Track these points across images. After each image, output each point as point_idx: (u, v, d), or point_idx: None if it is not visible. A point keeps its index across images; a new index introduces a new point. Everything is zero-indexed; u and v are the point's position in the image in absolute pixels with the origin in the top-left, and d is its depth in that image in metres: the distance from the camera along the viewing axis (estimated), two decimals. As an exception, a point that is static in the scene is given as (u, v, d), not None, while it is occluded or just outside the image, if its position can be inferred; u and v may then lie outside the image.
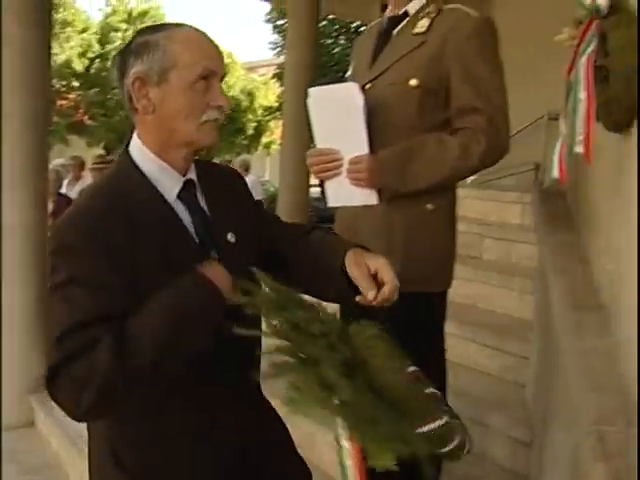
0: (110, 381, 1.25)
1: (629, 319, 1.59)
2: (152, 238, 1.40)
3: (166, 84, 1.43)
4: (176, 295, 1.33)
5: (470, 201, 4.83)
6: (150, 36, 1.46)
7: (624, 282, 1.67)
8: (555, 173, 1.69)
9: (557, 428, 2.10)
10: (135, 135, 1.52)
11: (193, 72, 1.43)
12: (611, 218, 1.94)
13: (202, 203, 1.55)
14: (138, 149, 1.50)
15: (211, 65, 1.45)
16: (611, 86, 1.55)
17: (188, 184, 1.53)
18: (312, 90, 2.16)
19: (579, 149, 1.56)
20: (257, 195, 12.19)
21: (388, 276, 1.40)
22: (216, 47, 1.49)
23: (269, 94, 25.61)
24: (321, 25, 15.32)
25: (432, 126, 2.11)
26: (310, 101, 2.15)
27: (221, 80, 1.49)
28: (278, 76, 22.85)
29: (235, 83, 23.98)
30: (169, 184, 1.50)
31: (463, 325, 3.71)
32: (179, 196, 1.50)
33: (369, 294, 1.39)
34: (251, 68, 27.97)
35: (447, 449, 1.19)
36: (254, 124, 24.72)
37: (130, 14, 22.78)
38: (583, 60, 1.57)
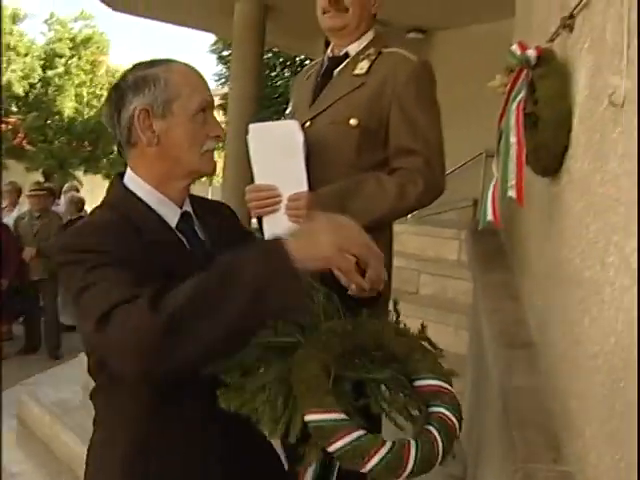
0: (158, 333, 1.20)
1: (555, 356, 1.64)
2: (160, 258, 1.41)
3: (170, 116, 1.47)
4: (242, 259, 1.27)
5: (408, 237, 4.91)
6: (147, 70, 1.50)
7: (551, 319, 1.72)
8: (489, 216, 1.73)
9: (488, 464, 2.13)
10: (129, 170, 1.54)
11: (194, 102, 1.48)
12: (540, 261, 2.00)
13: (200, 234, 1.58)
14: (134, 182, 1.53)
15: (207, 97, 1.52)
16: (540, 133, 1.61)
17: (185, 216, 1.56)
18: (252, 126, 2.19)
19: (512, 193, 1.61)
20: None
21: (370, 259, 1.39)
22: (204, 78, 1.55)
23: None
24: (266, 57, 15.40)
25: (371, 165, 2.15)
26: (250, 137, 2.17)
27: (212, 109, 1.55)
28: (222, 107, 22.87)
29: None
30: (168, 216, 1.53)
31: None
32: (177, 228, 1.53)
33: (354, 287, 1.43)
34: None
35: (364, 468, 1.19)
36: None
37: (74, 40, 22.56)
38: (514, 107, 1.63)
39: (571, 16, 1.62)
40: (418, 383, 1.37)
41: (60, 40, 22.44)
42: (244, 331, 1.24)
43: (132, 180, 1.53)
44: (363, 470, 1.18)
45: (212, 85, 27.04)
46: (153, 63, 1.52)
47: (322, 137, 2.16)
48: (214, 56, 23.76)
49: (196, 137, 1.49)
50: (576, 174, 1.53)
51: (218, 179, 24.08)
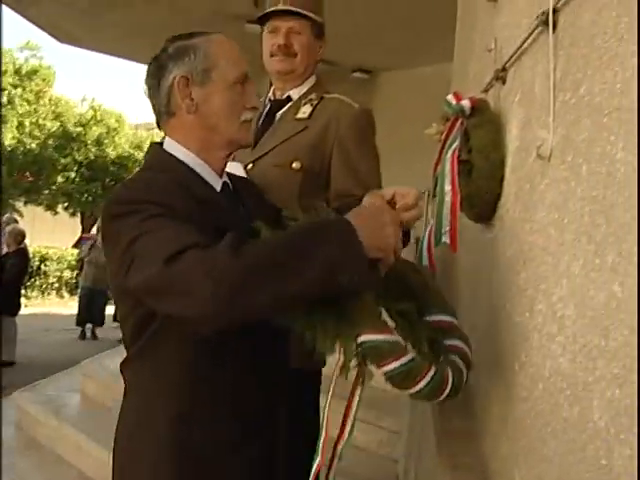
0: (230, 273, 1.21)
1: (488, 399, 1.66)
2: (211, 217, 1.42)
3: (209, 83, 1.50)
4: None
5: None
6: (187, 41, 1.53)
7: (484, 363, 1.75)
8: (425, 261, 1.76)
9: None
10: (169, 139, 1.55)
11: (233, 73, 1.52)
12: (473, 304, 2.04)
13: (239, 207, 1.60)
14: (175, 148, 1.53)
15: (245, 70, 1.55)
16: (474, 181, 1.66)
17: (225, 187, 1.59)
18: None
19: (446, 239, 1.64)
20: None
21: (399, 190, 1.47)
22: (242, 53, 1.59)
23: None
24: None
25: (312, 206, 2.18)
26: None
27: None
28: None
29: (123, 141, 23.67)
30: (212, 181, 1.55)
31: (338, 400, 3.71)
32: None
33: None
34: (140, 129, 27.74)
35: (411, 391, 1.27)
36: (141, 185, 24.31)
37: (19, 71, 22.21)
38: (449, 155, 1.67)
39: (503, 69, 1.68)
40: (432, 318, 1.43)
41: (5, 72, 22.08)
42: (311, 296, 1.27)
43: (172, 146, 1.53)
44: (409, 391, 1.26)
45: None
46: (193, 34, 1.56)
47: (265, 179, 2.18)
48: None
49: (234, 106, 1.51)
50: (507, 222, 1.57)
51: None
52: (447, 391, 1.29)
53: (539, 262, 1.28)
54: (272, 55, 2.28)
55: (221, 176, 1.58)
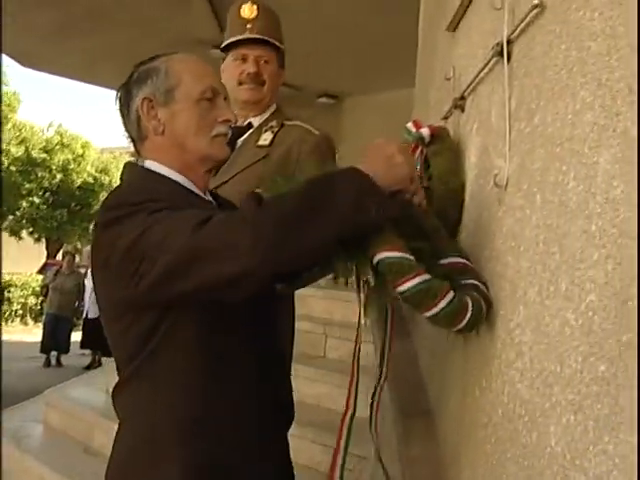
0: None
1: (450, 425, 1.67)
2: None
3: (173, 102, 1.49)
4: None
5: (315, 300, 4.92)
6: (149, 64, 1.53)
7: (447, 388, 1.76)
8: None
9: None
10: (149, 160, 1.53)
11: (197, 88, 1.50)
12: (436, 329, 2.04)
13: None
14: (158, 167, 1.51)
15: (214, 83, 1.53)
16: (434, 207, 1.67)
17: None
18: None
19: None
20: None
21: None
22: (211, 68, 1.59)
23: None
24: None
25: None
26: None
27: (224, 99, 1.56)
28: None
29: (89, 167, 23.50)
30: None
31: (306, 426, 3.70)
32: None
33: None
34: (106, 152, 27.56)
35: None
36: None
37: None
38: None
39: (462, 97, 1.71)
40: (445, 261, 1.41)
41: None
42: (346, 232, 1.25)
43: (154, 165, 1.51)
44: (427, 314, 1.24)
45: (123, 142, 26.86)
46: (156, 57, 1.55)
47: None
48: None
49: (202, 121, 1.49)
50: (467, 249, 1.59)
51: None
52: (466, 319, 1.26)
53: (497, 288, 1.30)
54: (241, 83, 2.28)
55: (204, 194, 1.58)
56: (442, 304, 1.24)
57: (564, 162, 0.99)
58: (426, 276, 1.25)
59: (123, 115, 1.55)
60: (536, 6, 1.15)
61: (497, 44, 1.32)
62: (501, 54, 1.31)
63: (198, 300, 1.36)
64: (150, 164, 1.53)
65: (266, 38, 2.28)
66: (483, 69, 1.49)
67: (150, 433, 1.46)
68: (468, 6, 1.88)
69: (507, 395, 1.18)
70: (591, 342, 0.85)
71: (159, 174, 1.50)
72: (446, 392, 1.75)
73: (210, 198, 1.61)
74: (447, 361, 1.75)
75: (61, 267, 12.29)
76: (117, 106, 1.57)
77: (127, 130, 1.57)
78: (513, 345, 1.17)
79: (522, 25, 1.25)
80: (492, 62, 1.42)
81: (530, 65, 1.21)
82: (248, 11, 2.31)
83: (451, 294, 1.25)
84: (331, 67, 8.24)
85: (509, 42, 1.31)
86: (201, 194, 1.55)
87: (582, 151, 0.93)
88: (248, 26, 2.29)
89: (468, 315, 1.27)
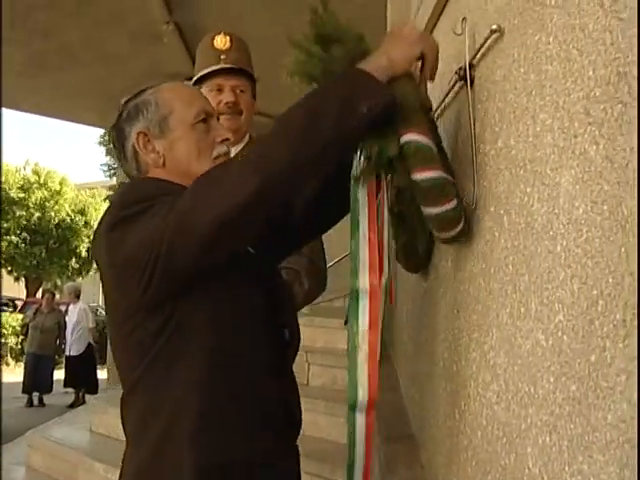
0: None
1: (432, 448, 1.66)
2: None
3: (169, 132, 1.46)
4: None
5: (297, 328, 4.89)
6: (137, 99, 1.50)
7: (427, 411, 1.75)
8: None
9: None
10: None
11: (191, 113, 1.47)
12: (415, 353, 2.05)
13: None
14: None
15: (206, 106, 1.51)
16: (408, 232, 1.68)
17: None
18: None
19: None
20: (89, 323, 11.65)
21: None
22: (199, 92, 1.59)
23: (101, 211, 25.16)
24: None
25: None
26: None
27: (217, 119, 1.56)
28: (110, 198, 22.63)
29: (66, 203, 23.41)
30: None
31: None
32: None
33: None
34: (83, 188, 27.47)
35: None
36: (87, 246, 24.06)
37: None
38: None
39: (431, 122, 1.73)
40: None
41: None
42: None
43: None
44: (433, 210, 1.25)
45: (100, 176, 26.96)
46: (143, 91, 1.52)
47: None
48: (103, 148, 23.64)
49: (203, 145, 1.47)
50: (441, 271, 1.60)
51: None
52: (458, 229, 1.29)
53: (471, 311, 1.30)
54: (219, 113, 2.27)
55: None
56: (448, 206, 1.25)
57: (528, 184, 1.01)
58: (444, 173, 1.25)
59: (119, 155, 1.52)
60: (495, 31, 1.17)
61: (460, 69, 1.34)
62: (464, 78, 1.33)
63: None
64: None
65: (243, 67, 2.28)
66: (448, 94, 1.51)
67: (162, 439, 1.41)
68: (432, 32, 1.91)
69: (485, 417, 1.19)
70: (562, 362, 0.86)
71: (169, 181, 1.47)
72: (427, 416, 1.75)
73: None
74: (427, 385, 1.74)
75: (41, 305, 12.16)
76: (113, 147, 1.55)
77: (125, 170, 1.53)
78: (488, 367, 1.17)
79: (483, 50, 1.27)
80: (457, 87, 1.44)
81: (492, 89, 1.22)
82: (221, 42, 2.31)
83: (456, 201, 1.26)
84: (301, 95, 8.29)
85: (471, 66, 1.33)
86: None
87: (544, 172, 0.94)
88: (222, 57, 2.29)
89: (460, 226, 1.28)
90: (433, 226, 1.31)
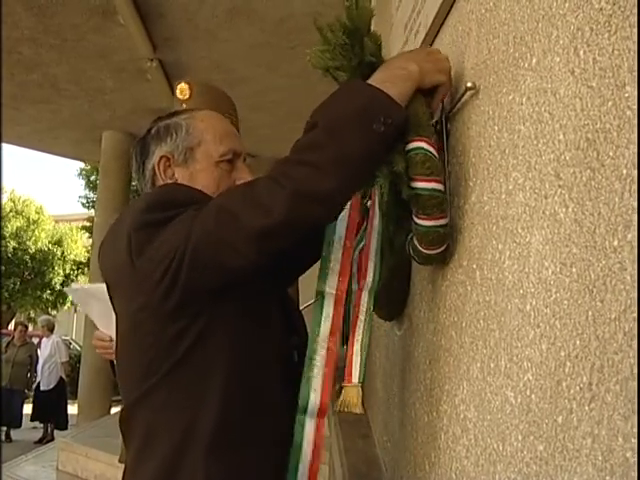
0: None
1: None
2: None
3: (193, 162, 1.43)
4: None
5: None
6: (170, 119, 1.47)
7: (399, 460, 1.74)
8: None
9: None
10: None
11: (219, 150, 1.44)
12: (387, 400, 2.04)
13: None
14: None
15: (236, 146, 1.47)
16: (382, 280, 1.68)
17: None
18: (70, 289, 2.29)
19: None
20: (62, 357, 11.49)
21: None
22: (234, 128, 1.53)
23: (79, 246, 24.97)
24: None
25: None
26: (72, 297, 2.21)
27: (244, 159, 1.51)
28: (87, 229, 22.47)
29: (43, 235, 23.22)
30: None
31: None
32: None
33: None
34: (61, 220, 27.28)
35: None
36: (61, 279, 23.83)
37: None
38: (356, 254, 1.70)
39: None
40: None
41: None
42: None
43: None
44: (424, 222, 1.24)
45: (79, 209, 26.78)
46: (178, 112, 1.51)
47: None
48: (82, 180, 23.55)
49: (222, 183, 1.43)
50: (414, 320, 1.60)
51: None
52: (441, 249, 1.28)
53: (442, 363, 1.30)
54: None
55: None
56: (441, 222, 1.24)
57: (500, 240, 1.02)
58: (442, 187, 1.24)
59: (137, 169, 1.49)
60: (470, 88, 1.20)
61: (435, 122, 1.36)
62: (440, 132, 1.35)
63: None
64: None
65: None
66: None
67: (175, 455, 1.37)
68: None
69: (455, 471, 1.18)
70: (530, 421, 0.86)
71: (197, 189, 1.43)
72: (399, 465, 1.74)
73: None
74: (399, 433, 1.74)
75: (13, 338, 11.99)
76: (133, 159, 1.52)
77: (139, 185, 1.52)
78: (459, 421, 1.17)
79: (459, 105, 1.29)
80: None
81: (467, 144, 1.24)
82: (181, 92, 2.34)
83: (448, 219, 1.25)
84: (285, 135, 8.36)
85: (447, 120, 1.35)
86: None
87: (516, 230, 0.95)
88: (184, 106, 2.33)
89: (445, 246, 1.28)
90: (422, 240, 1.28)
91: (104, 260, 1.46)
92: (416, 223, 1.27)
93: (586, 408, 0.71)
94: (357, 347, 1.44)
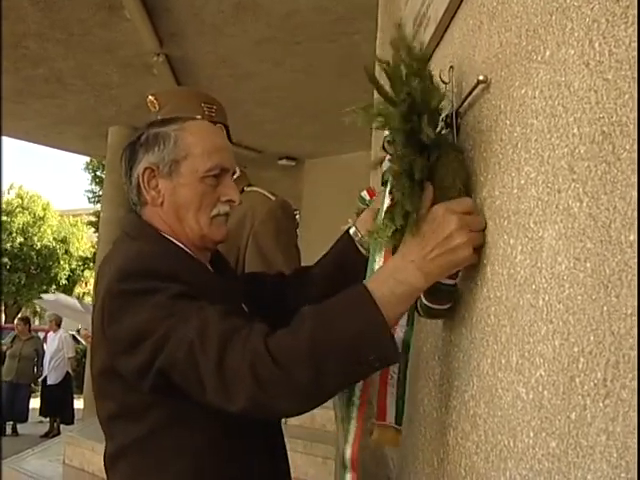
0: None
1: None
2: (204, 292, 1.31)
3: (177, 175, 1.41)
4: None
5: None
6: (161, 129, 1.44)
7: (407, 458, 1.74)
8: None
9: None
10: (148, 226, 1.46)
11: (205, 165, 1.42)
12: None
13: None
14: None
15: (224, 162, 1.45)
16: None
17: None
18: (43, 300, 2.36)
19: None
20: (69, 352, 11.53)
21: None
22: (226, 142, 1.51)
23: (83, 242, 25.06)
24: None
25: None
26: (45, 306, 2.24)
27: (232, 174, 1.49)
28: (94, 224, 22.52)
29: (49, 231, 23.30)
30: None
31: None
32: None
33: None
34: (67, 215, 27.35)
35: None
36: (67, 274, 23.91)
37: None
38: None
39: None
40: None
41: None
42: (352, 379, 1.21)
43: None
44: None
45: (85, 203, 26.86)
46: (170, 120, 1.48)
47: None
48: (88, 175, 23.60)
49: (205, 200, 1.42)
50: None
51: (90, 298, 23.36)
52: (447, 306, 1.27)
53: (452, 358, 1.30)
54: None
55: (207, 260, 1.54)
56: (451, 282, 1.23)
57: (511, 235, 1.01)
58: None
59: (126, 175, 1.47)
60: (482, 81, 1.18)
61: (446, 116, 1.35)
62: (450, 126, 1.34)
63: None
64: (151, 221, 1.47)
65: (216, 120, 2.27)
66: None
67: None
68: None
69: (464, 468, 1.17)
70: (542, 417, 0.85)
71: (162, 234, 1.44)
72: (407, 462, 1.73)
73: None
74: (407, 429, 1.73)
75: (18, 332, 12.04)
76: (120, 164, 1.51)
77: (127, 190, 1.50)
78: (468, 417, 1.16)
79: (469, 99, 1.28)
80: (443, 133, 1.45)
81: (478, 138, 1.23)
82: (151, 106, 2.34)
83: (457, 280, 1.25)
84: (290, 131, 8.35)
85: (457, 114, 1.34)
86: (204, 261, 1.50)
87: (528, 225, 0.94)
88: (158, 117, 2.33)
89: (450, 304, 1.27)
90: (434, 295, 1.28)
91: (95, 288, 1.47)
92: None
93: (600, 404, 0.70)
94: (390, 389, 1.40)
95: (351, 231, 1.60)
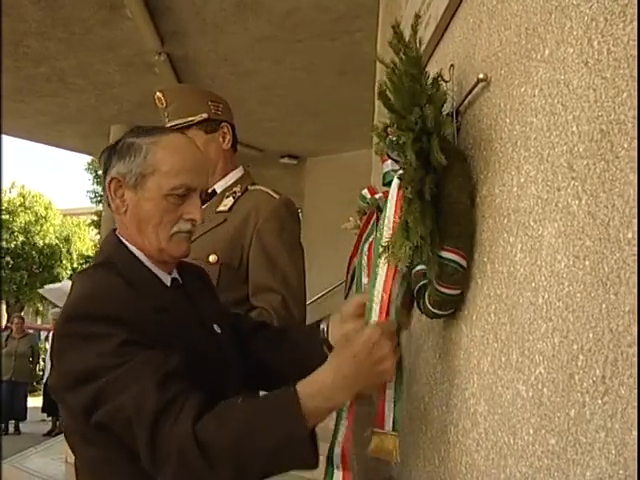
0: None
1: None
2: (165, 323, 1.36)
3: (142, 189, 1.42)
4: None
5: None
6: (136, 139, 1.45)
7: (408, 455, 1.74)
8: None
9: None
10: (117, 232, 1.49)
11: (170, 183, 1.41)
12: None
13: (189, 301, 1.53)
14: (127, 241, 1.47)
15: (190, 182, 1.44)
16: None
17: (174, 281, 1.51)
18: (45, 290, 2.28)
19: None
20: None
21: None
22: (199, 161, 1.49)
23: (86, 240, 25.08)
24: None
25: (233, 301, 2.14)
26: (48, 296, 2.20)
27: (201, 194, 1.48)
28: (96, 224, 22.54)
29: (51, 230, 23.32)
30: (162, 277, 1.49)
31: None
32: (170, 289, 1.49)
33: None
34: (69, 214, 27.35)
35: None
36: (69, 272, 23.91)
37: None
38: (365, 248, 1.70)
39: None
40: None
41: None
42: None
43: (123, 238, 1.48)
44: (443, 290, 1.24)
45: (86, 203, 26.85)
46: (149, 131, 1.48)
47: None
48: (90, 175, 23.60)
49: (166, 217, 1.42)
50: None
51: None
52: (448, 312, 1.30)
53: (452, 356, 1.30)
54: None
55: (170, 272, 1.54)
56: (454, 291, 1.25)
57: (511, 233, 1.01)
58: (466, 263, 1.25)
59: (102, 177, 1.50)
60: (482, 80, 1.19)
61: (447, 114, 1.35)
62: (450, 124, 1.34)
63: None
64: (122, 236, 1.49)
65: (176, 124, 2.25)
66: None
67: None
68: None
69: (465, 465, 1.18)
70: (541, 414, 0.86)
71: (130, 251, 1.46)
72: (408, 460, 1.74)
73: (175, 275, 1.54)
74: (408, 427, 1.73)
75: (12, 331, 12.04)
76: (99, 163, 1.53)
77: (105, 194, 1.53)
78: (469, 414, 1.17)
79: (469, 97, 1.28)
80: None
81: (478, 137, 1.23)
82: (158, 102, 2.32)
83: (460, 290, 1.26)
84: (292, 129, 8.34)
85: (458, 113, 1.34)
86: (164, 275, 1.50)
87: (528, 223, 0.95)
88: (165, 114, 2.32)
89: (452, 310, 1.29)
90: (439, 301, 1.30)
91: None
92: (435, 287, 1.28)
93: (599, 401, 0.71)
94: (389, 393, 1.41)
95: (321, 326, 1.59)
